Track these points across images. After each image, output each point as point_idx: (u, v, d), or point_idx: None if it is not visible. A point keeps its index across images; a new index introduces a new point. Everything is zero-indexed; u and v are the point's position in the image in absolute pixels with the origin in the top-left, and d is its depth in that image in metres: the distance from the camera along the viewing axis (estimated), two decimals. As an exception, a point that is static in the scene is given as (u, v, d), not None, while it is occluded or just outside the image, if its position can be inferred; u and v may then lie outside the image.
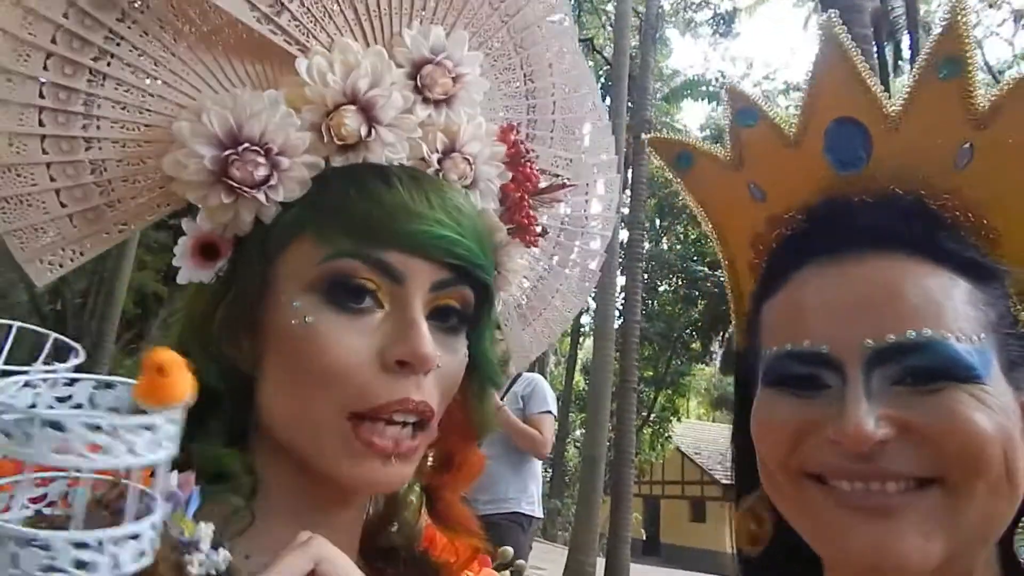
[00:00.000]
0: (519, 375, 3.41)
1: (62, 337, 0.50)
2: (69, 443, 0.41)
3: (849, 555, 0.50)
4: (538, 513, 3.57)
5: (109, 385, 0.48)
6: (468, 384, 0.63)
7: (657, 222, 24.78)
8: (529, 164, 0.69)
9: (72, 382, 0.47)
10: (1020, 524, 0.51)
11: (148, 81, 0.60)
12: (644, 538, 25.93)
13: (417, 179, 0.59)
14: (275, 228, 0.58)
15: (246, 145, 0.57)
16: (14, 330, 0.49)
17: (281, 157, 0.58)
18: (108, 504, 0.46)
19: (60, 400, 0.46)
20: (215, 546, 0.50)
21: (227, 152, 0.57)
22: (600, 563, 11.61)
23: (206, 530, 0.50)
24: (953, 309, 0.51)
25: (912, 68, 0.60)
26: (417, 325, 0.55)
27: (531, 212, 0.69)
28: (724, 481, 24.73)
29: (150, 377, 0.45)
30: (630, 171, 14.80)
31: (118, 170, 0.62)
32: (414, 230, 0.55)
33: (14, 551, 0.40)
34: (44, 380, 0.46)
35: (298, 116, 0.59)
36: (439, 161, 0.63)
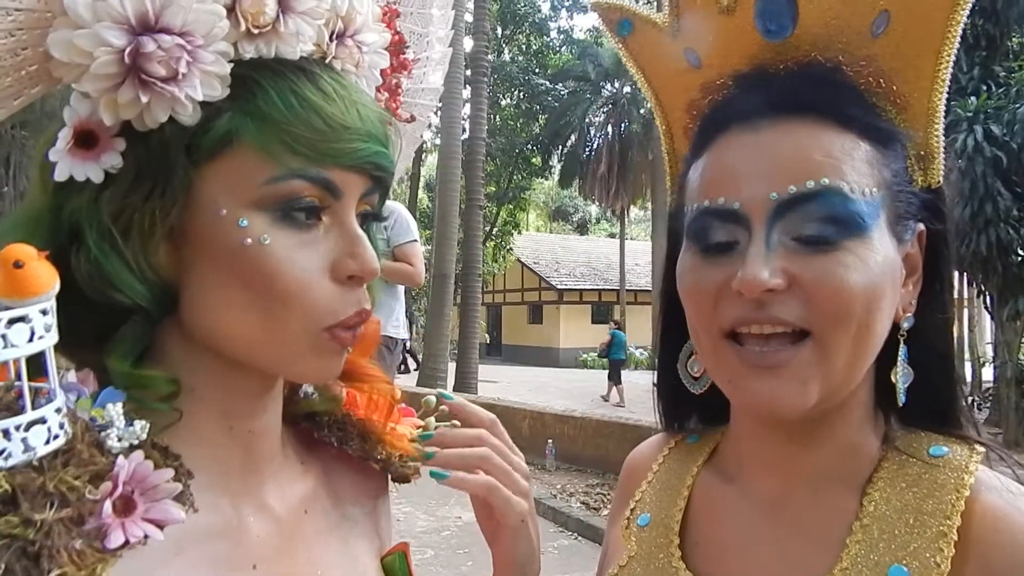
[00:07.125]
0: None
1: None
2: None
3: (751, 403, 0.60)
4: (403, 334, 3.72)
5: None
6: None
7: (499, 31, 23.67)
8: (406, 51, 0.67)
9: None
10: (899, 355, 0.61)
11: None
12: (488, 341, 28.21)
13: (342, 84, 0.57)
14: (204, 133, 0.52)
15: (162, 34, 0.49)
16: None
17: (202, 51, 0.50)
18: (8, 406, 0.45)
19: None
20: (129, 421, 0.50)
21: (140, 40, 0.49)
22: (451, 367, 12.56)
23: (116, 408, 0.50)
24: (851, 166, 0.56)
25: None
26: (362, 240, 0.56)
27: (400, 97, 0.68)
28: (559, 286, 27.04)
29: (7, 272, 0.44)
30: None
31: None
32: (353, 148, 0.55)
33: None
34: None
35: None
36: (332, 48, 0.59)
